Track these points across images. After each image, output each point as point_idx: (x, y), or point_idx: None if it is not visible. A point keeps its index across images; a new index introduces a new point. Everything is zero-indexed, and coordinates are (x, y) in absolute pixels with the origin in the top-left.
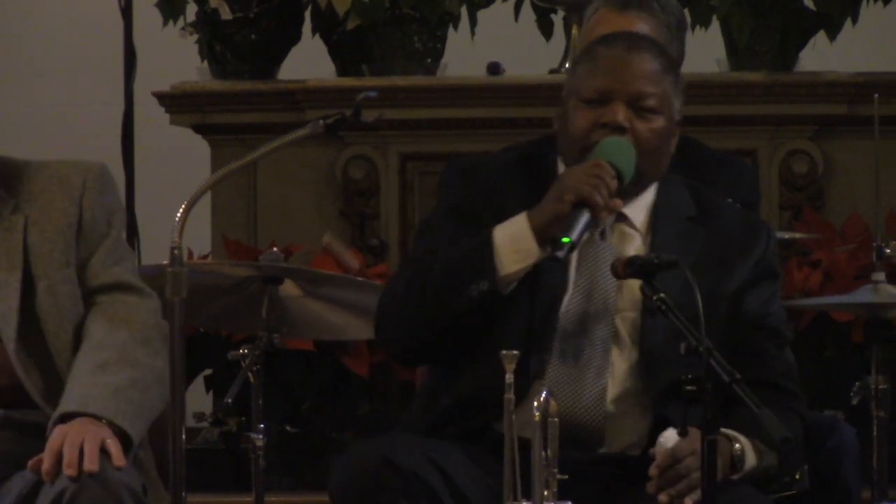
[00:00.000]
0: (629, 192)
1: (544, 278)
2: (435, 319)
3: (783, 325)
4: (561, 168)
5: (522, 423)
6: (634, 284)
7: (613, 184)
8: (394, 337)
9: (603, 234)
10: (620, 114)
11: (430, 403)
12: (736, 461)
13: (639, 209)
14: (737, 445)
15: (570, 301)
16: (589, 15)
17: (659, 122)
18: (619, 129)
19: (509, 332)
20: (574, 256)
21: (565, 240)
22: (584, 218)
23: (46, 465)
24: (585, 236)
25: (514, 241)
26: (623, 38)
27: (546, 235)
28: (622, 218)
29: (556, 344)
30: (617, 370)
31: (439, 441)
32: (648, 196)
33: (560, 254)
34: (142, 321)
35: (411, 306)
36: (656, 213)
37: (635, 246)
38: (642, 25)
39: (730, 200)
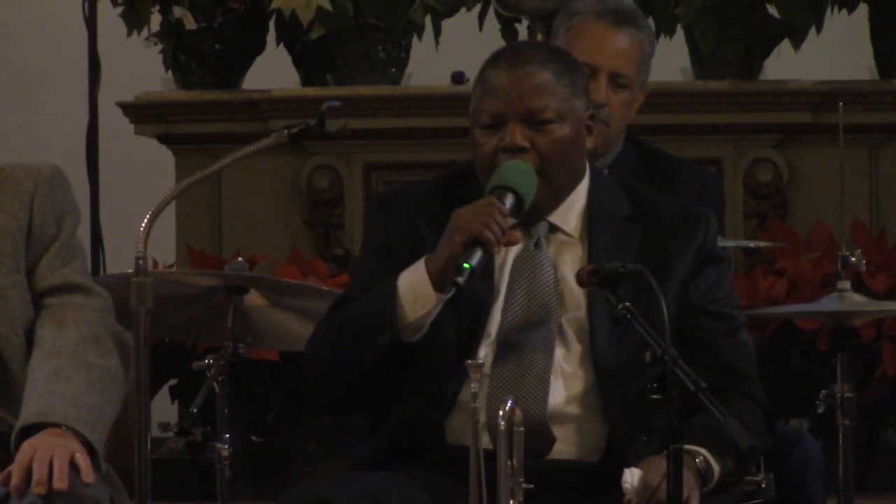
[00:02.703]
0: (551, 204)
1: (468, 293)
2: (349, 371)
3: (734, 308)
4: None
5: (460, 432)
6: (575, 285)
7: (505, 220)
8: (317, 389)
9: (538, 245)
10: (517, 135)
11: (374, 429)
12: (704, 473)
13: (571, 216)
14: (699, 459)
15: (507, 311)
16: (571, 24)
17: (561, 130)
18: (520, 150)
19: (438, 353)
20: (506, 270)
21: (466, 266)
22: (478, 254)
23: (15, 480)
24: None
25: (413, 289)
26: (506, 56)
27: (443, 280)
28: (554, 228)
29: (497, 352)
30: (566, 371)
31: (382, 473)
32: (580, 201)
33: (461, 279)
34: (90, 321)
35: (328, 359)
36: (590, 217)
37: (573, 254)
38: (632, 42)
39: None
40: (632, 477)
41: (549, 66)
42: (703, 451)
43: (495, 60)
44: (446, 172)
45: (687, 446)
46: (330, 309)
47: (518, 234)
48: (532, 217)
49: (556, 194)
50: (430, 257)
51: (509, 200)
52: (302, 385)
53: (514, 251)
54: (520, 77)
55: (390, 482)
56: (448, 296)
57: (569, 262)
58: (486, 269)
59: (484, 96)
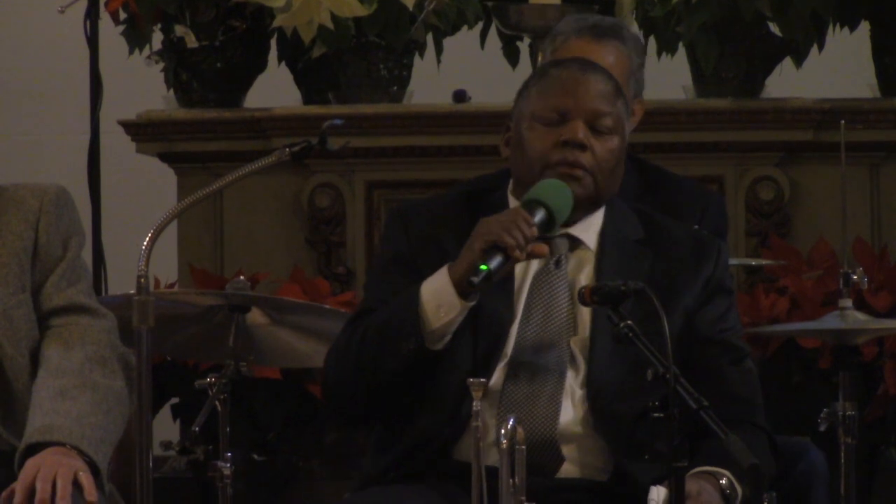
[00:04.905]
0: (585, 208)
1: (487, 312)
2: (372, 379)
3: (739, 339)
4: (512, 202)
5: (465, 451)
6: (587, 308)
7: (530, 230)
8: (337, 398)
9: (558, 263)
10: (580, 131)
11: (385, 445)
12: (728, 495)
13: (591, 233)
14: (723, 481)
15: (523, 330)
16: (555, 46)
17: (615, 141)
18: (580, 146)
19: (453, 373)
20: (525, 286)
21: (483, 267)
22: (498, 258)
23: (18, 498)
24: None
25: (436, 296)
26: (575, 61)
27: (465, 287)
28: (577, 244)
29: (509, 371)
30: (574, 392)
31: (389, 489)
32: (598, 221)
33: (475, 279)
34: (96, 341)
35: (350, 368)
36: (603, 237)
37: (587, 272)
38: (617, 55)
39: (696, 227)
40: (658, 495)
41: (612, 81)
42: (726, 472)
43: (561, 62)
44: (466, 186)
45: (709, 468)
46: (349, 321)
47: (545, 247)
48: (567, 222)
49: (595, 201)
50: (453, 264)
51: (539, 214)
52: (322, 393)
53: (533, 269)
54: (591, 79)
55: (397, 499)
56: (472, 303)
57: (584, 282)
58: (507, 289)
59: (548, 92)
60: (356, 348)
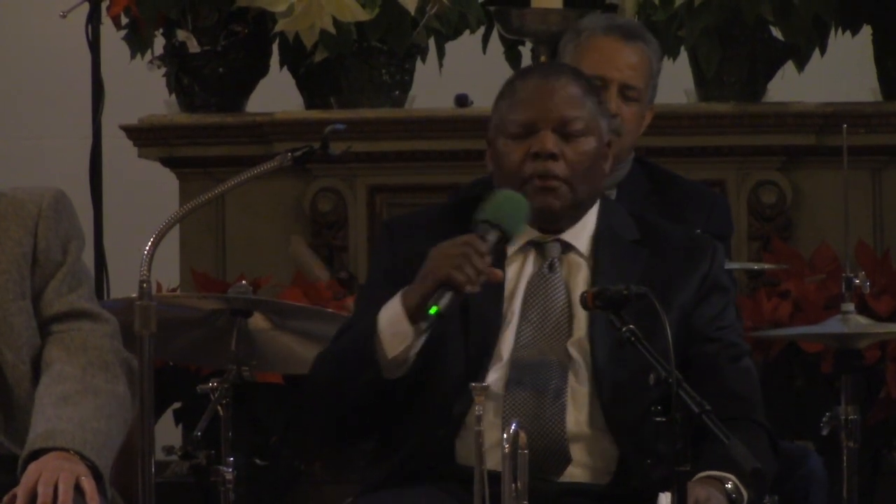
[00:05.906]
0: (570, 216)
1: (476, 316)
2: (343, 405)
3: (738, 337)
4: None
5: (471, 452)
6: (583, 310)
7: (483, 260)
8: (320, 420)
9: (552, 267)
10: (549, 142)
11: (383, 452)
12: (735, 500)
13: (583, 237)
14: (728, 485)
15: (521, 334)
16: (579, 41)
17: (589, 143)
18: (551, 157)
19: (446, 375)
20: (520, 290)
21: (432, 311)
22: (448, 295)
23: (20, 503)
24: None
25: (392, 325)
26: (537, 70)
27: (418, 316)
28: (569, 248)
29: (511, 376)
30: (576, 393)
31: (392, 493)
32: (591, 223)
33: (424, 325)
34: (98, 346)
35: (324, 394)
36: (597, 238)
37: (584, 275)
38: (641, 56)
39: (699, 231)
40: (667, 502)
41: (578, 81)
42: (731, 477)
43: (525, 73)
44: (453, 199)
45: (715, 472)
46: (334, 337)
47: (499, 272)
48: (550, 229)
49: (577, 206)
50: (407, 291)
51: (492, 237)
52: (304, 416)
53: (527, 273)
54: (554, 87)
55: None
56: (426, 331)
57: (580, 284)
58: (496, 292)
59: (514, 107)
60: (326, 376)
